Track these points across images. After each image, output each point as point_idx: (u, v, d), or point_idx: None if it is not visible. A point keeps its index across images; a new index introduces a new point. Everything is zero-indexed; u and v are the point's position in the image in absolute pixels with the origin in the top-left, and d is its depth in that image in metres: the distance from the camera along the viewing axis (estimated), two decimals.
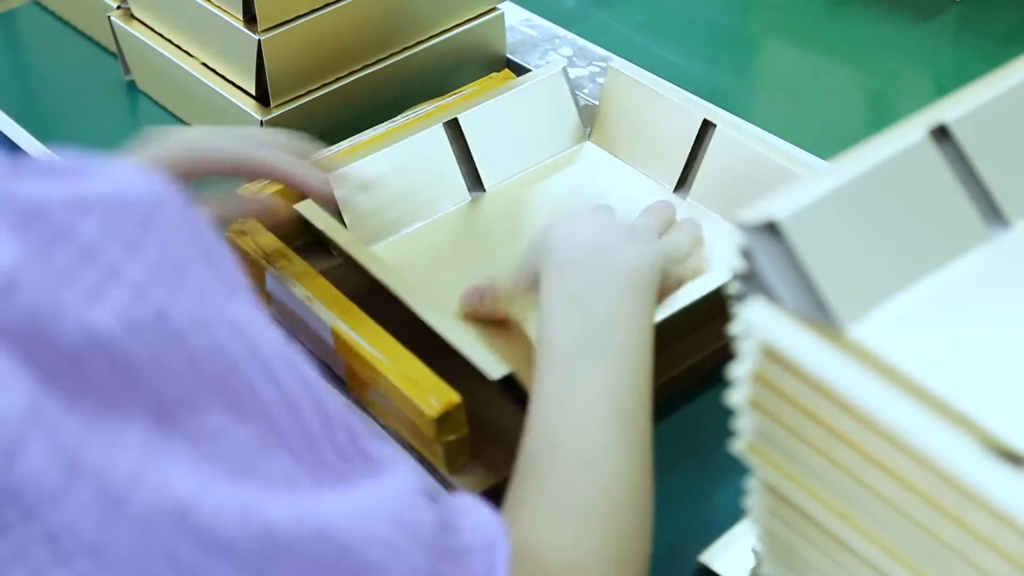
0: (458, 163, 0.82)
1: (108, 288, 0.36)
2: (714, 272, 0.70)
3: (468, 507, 0.48)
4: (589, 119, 0.87)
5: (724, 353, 0.72)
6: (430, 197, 0.81)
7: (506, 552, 0.46)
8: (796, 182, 0.72)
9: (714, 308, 0.69)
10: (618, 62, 0.86)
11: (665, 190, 0.82)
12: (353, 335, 0.67)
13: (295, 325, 0.73)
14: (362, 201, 0.77)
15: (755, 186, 0.77)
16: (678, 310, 0.68)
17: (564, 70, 0.86)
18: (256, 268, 0.74)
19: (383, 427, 0.70)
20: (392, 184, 0.79)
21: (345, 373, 0.71)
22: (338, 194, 0.75)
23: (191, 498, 0.37)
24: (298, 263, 0.72)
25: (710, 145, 0.80)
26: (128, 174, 0.39)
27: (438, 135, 0.81)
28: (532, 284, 0.62)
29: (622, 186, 0.83)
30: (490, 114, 0.83)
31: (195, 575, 0.37)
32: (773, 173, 0.76)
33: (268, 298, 0.74)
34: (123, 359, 0.36)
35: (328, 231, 0.73)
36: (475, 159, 0.82)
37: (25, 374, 0.35)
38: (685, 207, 0.81)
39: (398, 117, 0.84)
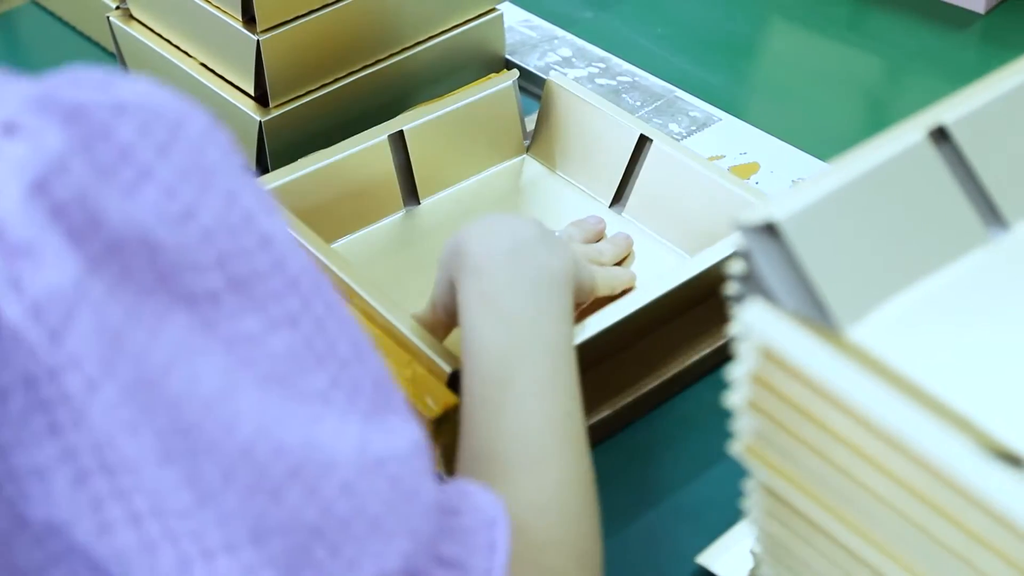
0: (397, 175, 0.82)
1: (141, 185, 0.38)
2: (651, 282, 0.70)
3: (468, 490, 0.48)
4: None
5: (722, 354, 0.72)
6: (362, 209, 0.81)
7: (506, 530, 0.47)
8: (731, 200, 0.74)
9: (708, 306, 0.69)
10: (556, 75, 0.86)
11: (601, 205, 0.83)
12: None
13: None
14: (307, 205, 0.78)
15: (690, 202, 0.78)
16: (634, 311, 0.68)
17: (515, 83, 0.86)
18: None
19: None
20: (328, 193, 0.80)
21: None
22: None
23: (211, 399, 0.38)
24: None
25: (646, 161, 0.80)
26: (157, 88, 0.41)
27: (382, 147, 0.81)
28: (449, 292, 0.62)
29: (558, 200, 0.83)
30: (435, 126, 0.83)
31: (208, 484, 0.38)
32: (708, 190, 0.77)
33: None
34: (156, 252, 0.38)
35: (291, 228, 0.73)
36: (414, 171, 0.83)
37: (74, 254, 0.36)
38: (620, 222, 0.81)
39: (395, 119, 0.84)
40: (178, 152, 0.39)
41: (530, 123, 0.88)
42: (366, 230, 0.82)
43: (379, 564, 0.41)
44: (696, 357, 0.72)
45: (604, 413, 0.69)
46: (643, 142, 0.80)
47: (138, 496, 0.38)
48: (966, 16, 1.04)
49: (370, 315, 0.68)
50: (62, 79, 0.40)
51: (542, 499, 0.52)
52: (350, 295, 0.69)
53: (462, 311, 0.58)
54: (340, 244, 0.81)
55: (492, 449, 0.54)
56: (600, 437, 0.69)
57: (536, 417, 0.54)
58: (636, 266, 0.78)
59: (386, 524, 0.41)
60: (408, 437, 0.43)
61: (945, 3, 1.05)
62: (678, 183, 0.79)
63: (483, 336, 0.57)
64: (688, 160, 0.78)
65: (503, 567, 0.46)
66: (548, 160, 0.86)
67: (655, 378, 0.71)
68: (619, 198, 0.82)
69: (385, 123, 0.83)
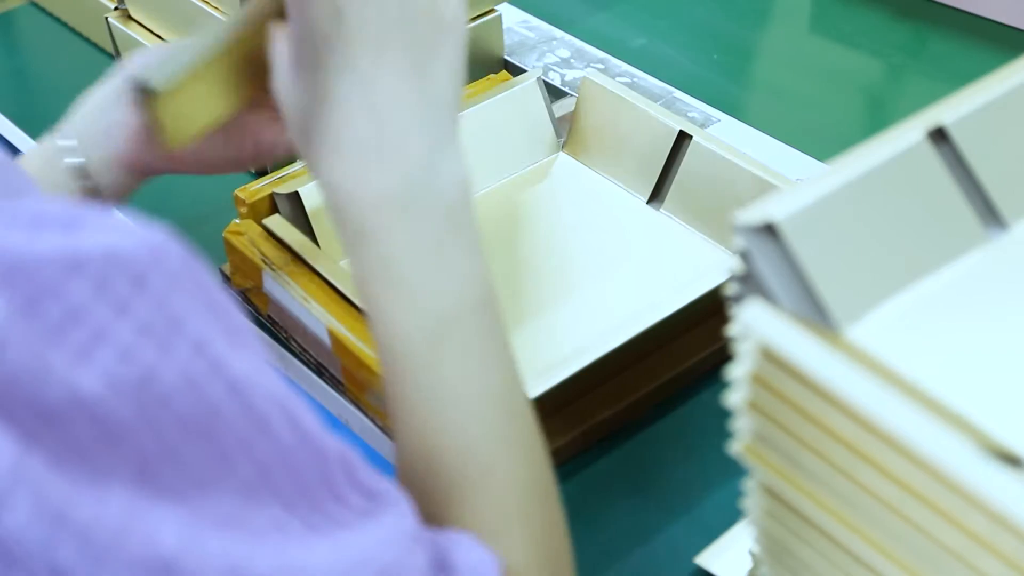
0: None
1: (95, 349, 0.36)
2: (706, 275, 0.71)
3: (463, 543, 0.46)
4: (565, 129, 0.87)
5: (721, 354, 0.72)
6: None
7: None
8: (772, 193, 0.74)
9: (709, 308, 0.69)
10: (593, 72, 0.86)
11: (639, 200, 0.82)
12: (350, 337, 0.67)
13: (292, 326, 0.73)
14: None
15: (730, 198, 0.78)
16: (673, 312, 0.68)
17: (539, 80, 0.85)
18: (254, 269, 0.74)
19: (380, 428, 0.70)
20: None
21: (342, 374, 0.71)
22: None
23: (176, 553, 0.36)
24: (296, 265, 0.72)
25: (685, 157, 0.80)
26: (125, 228, 0.38)
27: None
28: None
29: (595, 197, 0.83)
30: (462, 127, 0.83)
31: None
32: (749, 185, 0.76)
33: (266, 299, 0.75)
34: (107, 420, 0.36)
35: (297, 248, 0.73)
36: None
37: (8, 433, 0.34)
38: (658, 218, 0.81)
39: None
40: (140, 306, 0.36)
41: (532, 123, 0.87)
42: None
43: None
44: (696, 358, 0.72)
45: (603, 414, 0.69)
46: (682, 138, 0.80)
47: None
48: (967, 17, 1.04)
49: None
50: (16, 217, 0.37)
51: (495, 507, 0.48)
52: (350, 300, 0.69)
53: (360, 286, 0.50)
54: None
55: (429, 461, 0.48)
56: (598, 438, 0.69)
57: (479, 412, 0.48)
58: (677, 263, 0.78)
59: None
60: (385, 529, 0.42)
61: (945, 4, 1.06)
62: (717, 179, 0.78)
63: (395, 323, 0.48)
64: (728, 155, 0.78)
65: None
66: (584, 157, 0.86)
67: (655, 379, 0.71)
68: (657, 194, 0.82)
69: None
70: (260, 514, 0.39)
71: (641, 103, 0.83)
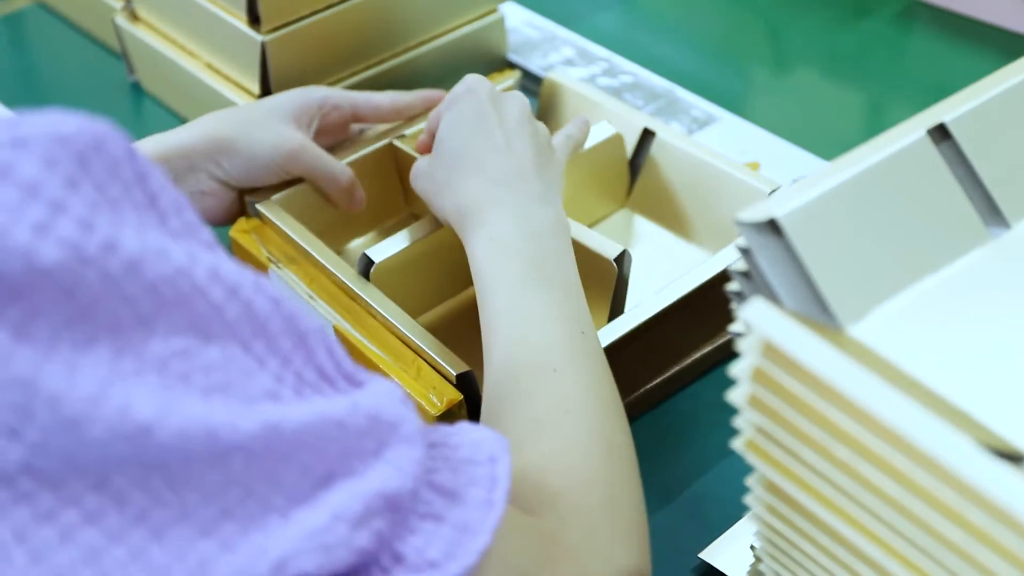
0: (399, 180, 0.83)
1: (54, 221, 0.37)
2: (701, 266, 0.71)
3: (465, 427, 0.48)
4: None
5: (724, 350, 0.73)
6: (368, 212, 0.81)
7: (508, 467, 0.46)
8: (740, 188, 0.74)
9: (711, 304, 0.69)
10: (557, 72, 0.86)
11: (605, 199, 0.82)
12: (355, 333, 0.68)
13: None
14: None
15: (697, 194, 0.78)
16: (668, 305, 0.68)
17: (516, 82, 0.85)
18: (259, 266, 0.74)
19: None
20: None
21: None
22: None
23: (154, 418, 0.37)
24: (302, 263, 0.73)
25: (650, 155, 0.80)
26: (65, 116, 0.39)
27: (385, 152, 0.81)
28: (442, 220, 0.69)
29: (567, 199, 0.83)
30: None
31: (162, 495, 0.38)
32: (716, 180, 0.77)
33: None
34: (75, 287, 0.37)
35: (292, 232, 0.74)
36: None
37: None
38: (623, 215, 0.82)
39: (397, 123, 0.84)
40: (90, 183, 0.38)
41: None
42: (373, 234, 0.82)
43: (382, 479, 0.41)
44: (698, 354, 0.72)
45: None
46: (647, 136, 0.80)
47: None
48: (967, 19, 1.05)
49: (374, 315, 0.69)
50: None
51: (562, 398, 0.54)
52: (354, 298, 0.70)
53: (472, 252, 0.63)
54: (349, 248, 0.81)
55: (513, 364, 0.56)
56: None
57: (554, 334, 0.57)
58: (648, 262, 0.78)
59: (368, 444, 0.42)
60: (374, 391, 0.43)
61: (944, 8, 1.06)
62: (684, 176, 0.79)
63: (492, 277, 0.61)
64: (695, 151, 0.78)
65: (503, 501, 0.45)
66: None
67: (657, 375, 0.71)
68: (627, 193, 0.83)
69: (385, 128, 0.83)
70: (249, 382, 0.40)
71: (604, 100, 0.83)
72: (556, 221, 0.64)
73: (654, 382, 0.71)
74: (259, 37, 0.82)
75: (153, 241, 0.39)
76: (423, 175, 0.69)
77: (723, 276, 0.69)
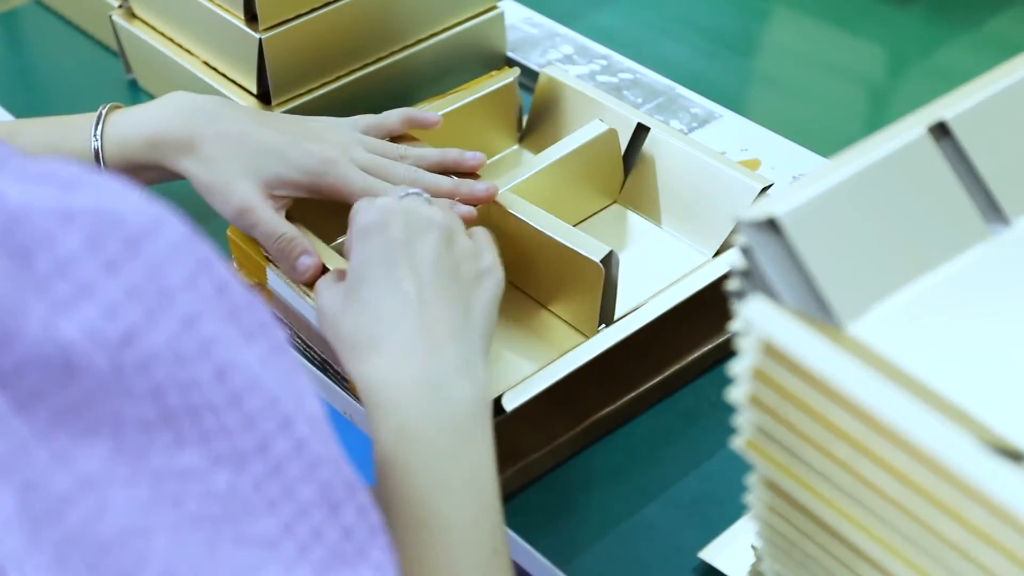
0: None
1: (80, 302, 0.36)
2: (709, 266, 0.71)
3: None
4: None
5: (723, 349, 0.72)
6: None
7: None
8: (732, 184, 0.74)
9: (711, 303, 0.69)
10: (553, 68, 0.85)
11: (598, 195, 0.82)
12: None
13: (296, 322, 0.73)
14: None
15: (688, 190, 0.78)
16: (667, 310, 0.68)
17: (515, 80, 0.85)
18: (258, 267, 0.74)
19: None
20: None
21: (344, 371, 0.71)
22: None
23: (124, 534, 0.36)
24: None
25: (644, 151, 0.80)
26: (125, 192, 0.38)
27: None
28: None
29: (558, 191, 0.82)
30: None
31: None
32: (707, 176, 0.76)
33: (270, 295, 0.75)
34: (81, 372, 0.36)
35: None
36: None
37: None
38: (616, 211, 0.81)
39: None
40: (131, 270, 0.37)
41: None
42: None
43: None
44: (698, 353, 0.72)
45: (606, 409, 0.69)
46: (641, 132, 0.80)
47: None
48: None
49: None
50: (21, 170, 0.38)
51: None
52: None
53: (375, 440, 0.55)
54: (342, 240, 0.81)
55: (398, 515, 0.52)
56: (602, 433, 0.70)
57: (462, 556, 0.52)
58: (638, 257, 0.78)
59: None
60: None
61: None
62: (676, 171, 0.79)
63: (402, 475, 0.53)
64: (687, 148, 0.78)
65: None
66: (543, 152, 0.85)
67: (656, 375, 0.71)
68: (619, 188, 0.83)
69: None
70: (251, 524, 0.38)
71: (599, 96, 0.82)
72: (476, 400, 0.56)
73: (653, 381, 0.71)
74: (256, 35, 0.82)
75: (189, 342, 0.37)
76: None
77: (722, 279, 0.69)
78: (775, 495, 0.47)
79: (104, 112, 0.73)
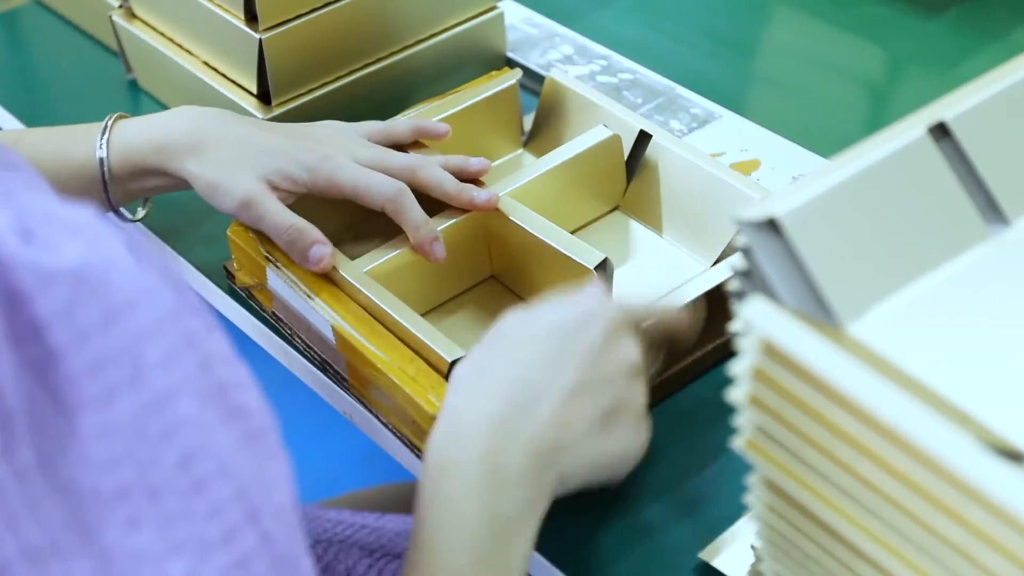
0: None
1: (45, 367, 0.36)
2: (712, 271, 0.71)
3: None
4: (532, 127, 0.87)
5: (724, 350, 0.72)
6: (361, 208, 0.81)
7: None
8: (731, 193, 0.74)
9: (713, 305, 0.69)
10: (558, 71, 0.85)
11: (599, 202, 0.82)
12: (354, 333, 0.67)
13: (296, 323, 0.73)
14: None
15: (687, 198, 0.78)
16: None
17: (517, 82, 0.85)
18: (258, 267, 0.74)
19: (384, 424, 0.70)
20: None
21: (346, 370, 0.71)
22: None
23: None
24: None
25: (646, 157, 0.80)
26: (120, 254, 0.38)
27: None
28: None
29: (559, 197, 0.82)
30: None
31: None
32: (707, 184, 0.76)
33: (270, 295, 0.75)
34: (41, 433, 0.36)
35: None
36: None
37: None
38: (616, 218, 0.81)
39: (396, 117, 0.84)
40: (102, 341, 0.37)
41: (529, 121, 0.87)
42: (366, 228, 0.82)
43: None
44: (697, 354, 0.72)
45: None
46: (643, 139, 0.80)
47: None
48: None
49: (371, 310, 0.68)
50: (36, 208, 0.38)
51: None
52: (351, 292, 0.70)
53: (422, 492, 0.54)
54: (345, 240, 0.81)
55: None
56: None
57: None
58: (637, 264, 0.78)
59: None
60: None
61: None
62: (677, 179, 0.79)
63: (433, 542, 0.52)
64: (687, 155, 0.78)
65: None
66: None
67: (657, 374, 0.71)
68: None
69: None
70: None
71: (604, 102, 0.82)
72: (534, 502, 0.54)
73: (653, 382, 0.71)
74: (256, 35, 0.82)
75: (158, 423, 0.37)
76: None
77: (719, 287, 0.69)
78: (775, 495, 0.47)
79: (111, 122, 0.74)
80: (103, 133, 0.73)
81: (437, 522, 0.52)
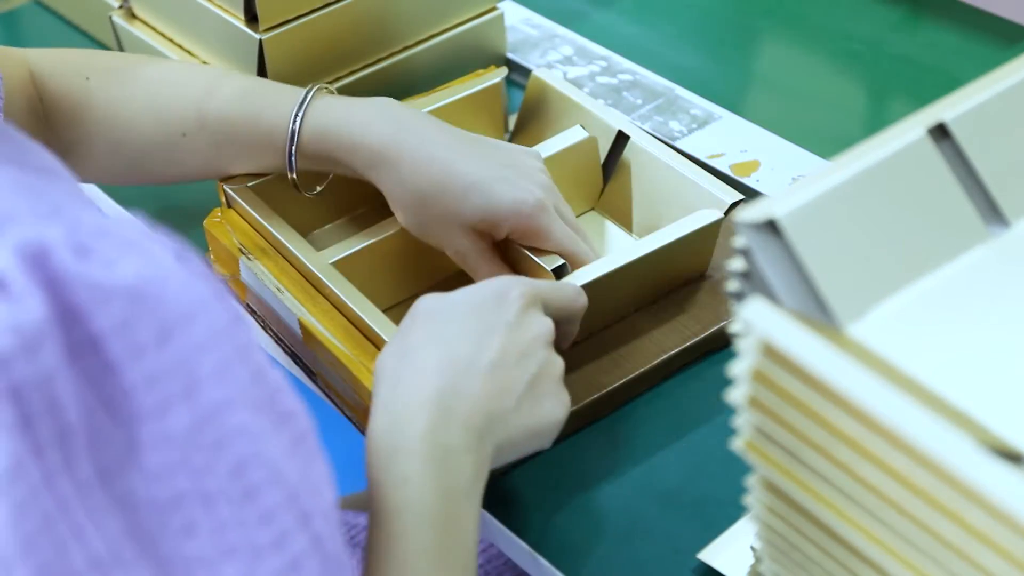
0: None
1: (103, 379, 0.37)
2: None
3: None
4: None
5: (714, 341, 0.72)
6: (347, 202, 0.80)
7: None
8: (701, 197, 0.74)
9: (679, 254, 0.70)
10: (543, 70, 0.85)
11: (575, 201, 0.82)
12: (319, 327, 0.68)
13: (268, 315, 0.74)
14: None
15: (659, 200, 0.78)
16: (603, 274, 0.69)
17: (503, 80, 0.85)
18: (231, 258, 0.74)
19: (348, 419, 0.70)
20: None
21: (313, 364, 0.71)
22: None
23: None
24: (272, 255, 0.73)
25: (622, 158, 0.80)
26: (175, 267, 0.38)
27: None
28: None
29: None
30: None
31: None
32: (678, 187, 0.76)
33: (243, 288, 0.75)
34: (102, 446, 0.37)
35: (263, 219, 0.73)
36: None
37: (21, 437, 0.35)
38: (596, 218, 0.82)
39: None
40: (158, 356, 0.37)
41: (489, 120, 0.87)
42: (344, 221, 0.81)
43: None
44: (664, 357, 0.72)
45: (606, 387, 0.69)
46: (620, 140, 0.80)
47: None
48: (970, 12, 1.04)
49: (336, 303, 0.69)
50: (87, 224, 0.38)
51: None
52: (318, 284, 0.70)
53: (372, 482, 0.55)
54: (320, 232, 0.80)
55: None
56: (597, 416, 0.70)
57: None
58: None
59: None
60: None
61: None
62: (650, 181, 0.79)
63: (391, 526, 0.53)
64: (662, 157, 0.78)
65: None
66: None
67: (619, 377, 0.71)
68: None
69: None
70: None
71: (584, 101, 0.82)
72: (477, 474, 0.56)
73: (615, 384, 0.70)
74: (256, 35, 0.82)
75: (212, 433, 0.38)
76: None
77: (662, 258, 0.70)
78: (774, 496, 0.47)
79: (310, 97, 0.71)
80: (301, 105, 0.71)
81: (394, 507, 0.53)
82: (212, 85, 0.74)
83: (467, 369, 0.57)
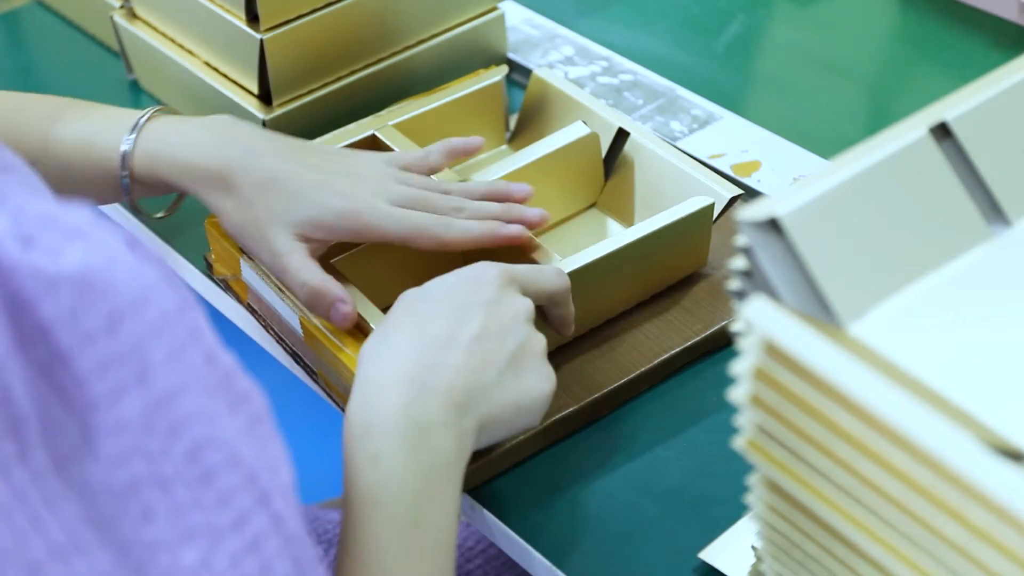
0: None
1: (52, 368, 0.37)
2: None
3: None
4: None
5: (714, 341, 0.72)
6: None
7: None
8: (701, 191, 0.74)
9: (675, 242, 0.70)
10: (544, 69, 0.85)
11: (575, 197, 0.82)
12: (321, 327, 0.68)
13: (269, 315, 0.74)
14: None
15: (659, 196, 0.78)
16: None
17: (503, 79, 0.85)
18: (232, 258, 0.74)
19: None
20: None
21: (315, 364, 0.71)
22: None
23: None
24: None
25: (623, 154, 0.80)
26: (122, 253, 0.38)
27: (368, 143, 0.80)
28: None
29: (540, 195, 0.82)
30: (420, 121, 0.81)
31: None
32: (678, 183, 0.76)
33: (245, 287, 0.75)
34: (55, 435, 0.37)
35: None
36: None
37: None
38: (597, 216, 0.82)
39: (383, 111, 0.83)
40: (109, 343, 0.37)
41: (490, 118, 0.87)
42: None
43: None
44: (665, 356, 0.72)
45: (606, 386, 0.69)
46: (621, 136, 0.80)
47: None
48: (970, 12, 1.04)
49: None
50: (32, 211, 0.38)
51: None
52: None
53: (346, 462, 0.54)
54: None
55: None
56: (599, 414, 0.70)
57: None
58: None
59: None
60: None
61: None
62: (651, 177, 0.79)
63: (362, 506, 0.53)
64: (662, 153, 0.78)
65: None
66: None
67: (620, 376, 0.70)
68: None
69: (371, 117, 0.82)
70: None
71: (585, 100, 0.82)
72: (458, 452, 0.56)
73: (615, 384, 0.70)
74: (257, 35, 0.82)
75: (165, 419, 0.38)
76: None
77: (645, 246, 0.70)
78: (776, 495, 0.47)
79: (144, 120, 0.71)
80: (134, 129, 0.70)
81: (365, 484, 0.53)
82: (57, 113, 0.73)
83: (445, 345, 0.58)
